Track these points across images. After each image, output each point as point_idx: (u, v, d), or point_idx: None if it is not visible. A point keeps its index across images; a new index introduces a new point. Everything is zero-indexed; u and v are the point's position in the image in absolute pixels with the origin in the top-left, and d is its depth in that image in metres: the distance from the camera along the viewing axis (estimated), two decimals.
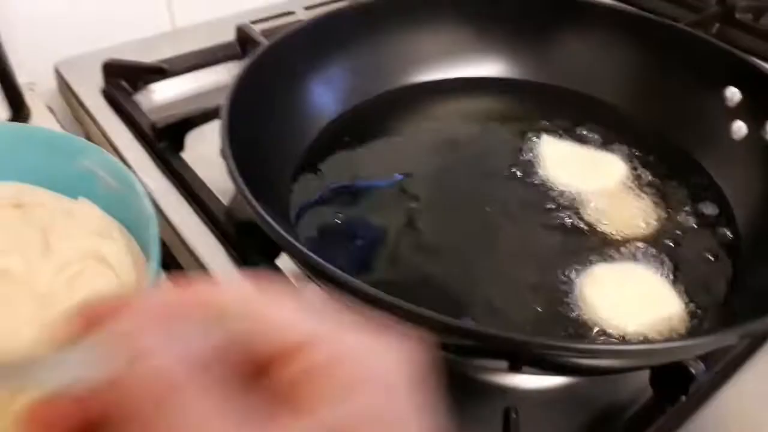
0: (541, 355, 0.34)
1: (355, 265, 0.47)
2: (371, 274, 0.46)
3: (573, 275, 0.47)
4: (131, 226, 0.45)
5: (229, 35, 0.75)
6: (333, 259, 0.46)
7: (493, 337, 0.32)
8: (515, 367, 0.38)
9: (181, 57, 0.72)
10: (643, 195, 0.54)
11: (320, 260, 0.34)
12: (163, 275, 0.52)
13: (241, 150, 0.41)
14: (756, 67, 0.53)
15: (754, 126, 0.53)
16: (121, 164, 0.44)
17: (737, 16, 0.82)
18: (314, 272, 0.36)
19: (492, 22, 0.63)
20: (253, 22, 0.80)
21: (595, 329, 0.44)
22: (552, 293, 0.46)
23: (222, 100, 0.44)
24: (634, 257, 0.49)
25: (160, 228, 0.55)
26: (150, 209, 0.40)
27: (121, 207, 0.45)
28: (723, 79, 0.54)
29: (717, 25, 0.81)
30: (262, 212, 0.35)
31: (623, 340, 0.43)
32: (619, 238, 0.50)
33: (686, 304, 0.46)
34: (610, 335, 0.44)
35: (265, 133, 0.49)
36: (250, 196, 0.36)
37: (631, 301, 0.46)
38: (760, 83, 0.52)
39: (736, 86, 0.54)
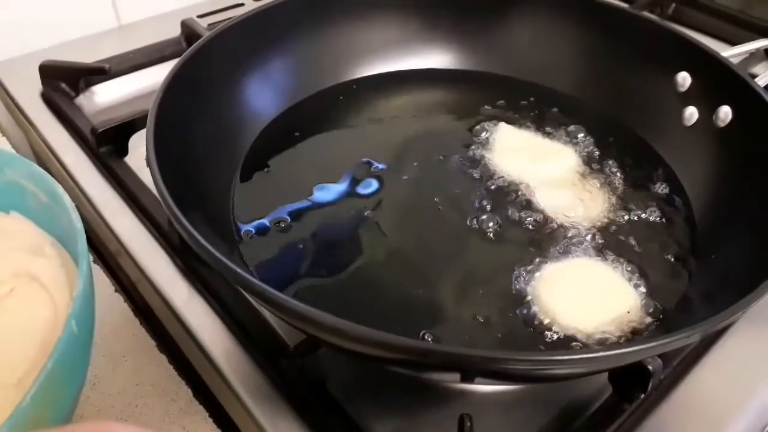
0: (489, 368, 0.33)
1: (301, 274, 0.45)
2: (320, 281, 0.45)
3: (528, 275, 0.46)
4: (64, 239, 0.42)
5: (176, 30, 0.73)
6: (280, 271, 0.45)
7: (437, 353, 0.31)
8: (467, 379, 0.36)
9: (126, 55, 0.70)
10: (595, 184, 0.53)
11: (247, 276, 0.32)
12: (105, 286, 0.50)
13: (171, 156, 0.39)
14: (706, 52, 0.52)
15: (706, 111, 0.52)
16: (48, 176, 0.41)
17: None
18: (244, 288, 0.34)
19: (437, 13, 0.61)
20: (201, 16, 0.77)
21: (554, 331, 0.43)
22: (507, 295, 0.45)
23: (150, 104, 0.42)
24: (587, 250, 0.48)
25: (104, 237, 0.53)
26: (78, 224, 0.38)
27: (52, 221, 0.42)
28: (674, 64, 0.54)
29: (673, 5, 0.81)
30: (188, 226, 0.33)
31: (583, 342, 0.42)
32: (571, 230, 0.49)
33: (642, 295, 0.45)
34: (570, 337, 0.43)
35: (200, 136, 0.47)
36: (175, 209, 0.34)
37: (588, 298, 0.45)
38: (711, 68, 0.51)
39: (687, 71, 0.53)
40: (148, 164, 0.37)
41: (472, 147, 0.56)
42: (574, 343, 0.43)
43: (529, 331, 0.43)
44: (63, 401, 0.33)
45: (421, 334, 0.42)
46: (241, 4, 0.81)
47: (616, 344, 0.42)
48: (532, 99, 0.61)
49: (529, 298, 0.45)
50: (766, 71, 0.53)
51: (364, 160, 0.54)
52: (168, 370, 0.45)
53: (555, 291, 0.45)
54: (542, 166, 0.53)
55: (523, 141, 0.56)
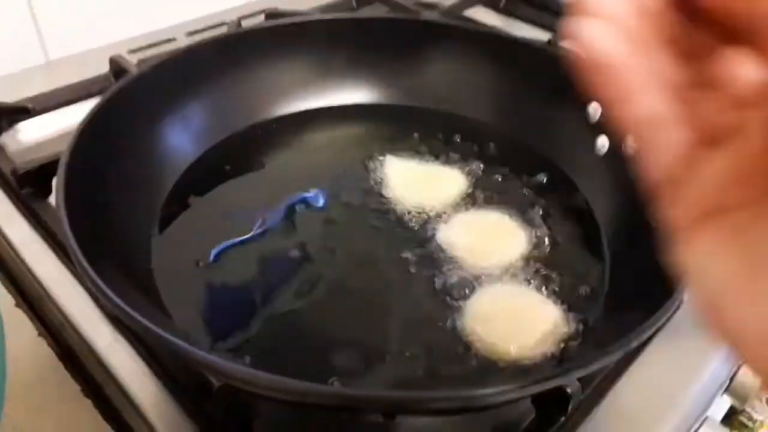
0: (405, 408, 0.33)
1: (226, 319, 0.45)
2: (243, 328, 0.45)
3: (450, 308, 0.47)
4: None
5: (105, 67, 0.72)
6: (199, 313, 0.45)
7: (353, 398, 0.31)
8: (389, 417, 0.37)
9: (51, 93, 0.69)
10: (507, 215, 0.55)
11: (150, 326, 0.32)
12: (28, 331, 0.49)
13: (85, 203, 0.38)
14: None
15: (616, 141, 0.53)
16: None
17: None
18: (171, 352, 0.34)
19: (355, 51, 0.62)
20: (132, 51, 0.77)
21: (481, 358, 0.44)
22: (433, 330, 0.46)
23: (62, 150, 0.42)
24: (504, 278, 0.49)
25: (26, 281, 0.52)
26: None
27: None
28: (584, 96, 0.55)
29: None
30: (95, 277, 0.33)
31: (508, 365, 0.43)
32: (485, 262, 0.50)
33: (564, 310, 0.47)
34: (500, 362, 0.44)
35: (117, 181, 0.46)
36: (82, 260, 0.33)
37: (514, 323, 0.46)
38: None
39: (597, 101, 0.54)
40: (58, 210, 0.37)
41: (372, 180, 0.57)
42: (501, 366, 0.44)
43: (456, 361, 0.44)
44: None
45: (330, 381, 0.42)
46: (174, 39, 0.81)
47: (525, 373, 0.43)
48: (448, 130, 0.62)
49: (455, 327, 0.46)
50: None
51: (283, 198, 0.55)
52: (93, 415, 0.45)
53: (481, 321, 0.46)
54: (436, 192, 0.54)
55: (418, 170, 0.57)
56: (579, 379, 0.42)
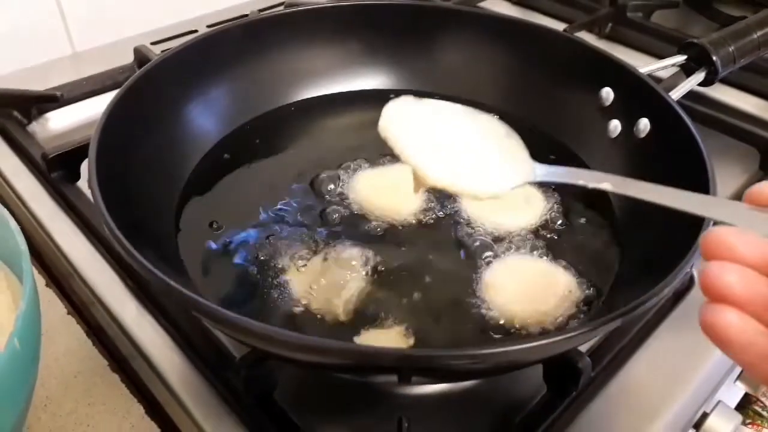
0: (423, 367, 0.35)
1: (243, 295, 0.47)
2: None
3: (476, 278, 0.48)
4: (10, 262, 0.43)
5: (129, 57, 0.74)
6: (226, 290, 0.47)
7: (369, 353, 0.32)
8: (405, 380, 0.38)
9: (78, 82, 0.71)
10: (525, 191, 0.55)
11: (187, 292, 0.34)
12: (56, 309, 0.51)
13: (115, 181, 0.40)
14: (626, 68, 0.55)
15: (627, 123, 0.55)
16: None
17: (629, 15, 0.85)
18: (195, 310, 0.36)
19: (374, 36, 0.63)
20: (154, 43, 0.79)
21: (502, 324, 0.45)
22: (459, 298, 0.47)
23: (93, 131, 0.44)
24: (521, 249, 0.50)
25: (55, 260, 0.54)
26: (23, 245, 0.39)
27: None
28: (597, 80, 0.57)
29: (610, 24, 0.85)
30: (130, 247, 0.35)
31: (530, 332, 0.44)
32: (505, 233, 0.51)
33: (577, 277, 0.48)
34: (520, 328, 0.45)
35: (142, 162, 0.48)
36: (117, 233, 0.35)
37: (531, 290, 0.48)
38: (631, 83, 0.54)
39: (610, 87, 0.56)
40: (90, 188, 0.39)
41: None
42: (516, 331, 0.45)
43: (479, 328, 0.45)
44: (6, 415, 0.34)
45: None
46: (195, 31, 0.83)
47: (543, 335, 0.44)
48: None
49: (479, 298, 0.47)
50: (683, 83, 0.56)
51: (306, 178, 0.56)
52: (120, 388, 0.46)
53: (501, 288, 0.47)
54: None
55: None
56: (590, 356, 0.43)
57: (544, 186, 0.56)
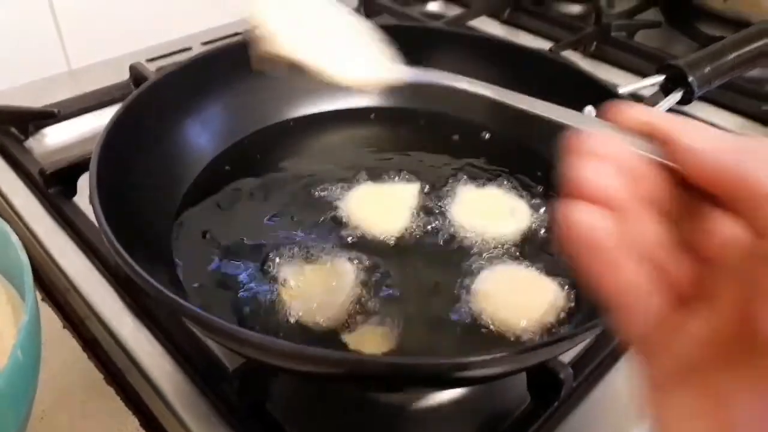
0: (409, 374, 0.36)
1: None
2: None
3: (463, 287, 0.50)
4: (10, 275, 0.44)
5: (124, 75, 0.75)
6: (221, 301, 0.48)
7: (359, 362, 0.34)
8: (395, 389, 0.39)
9: (75, 99, 0.72)
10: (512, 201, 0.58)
11: (189, 306, 0.35)
12: (53, 323, 0.52)
13: (113, 196, 0.42)
14: (604, 87, 0.58)
15: None
16: None
17: (613, 34, 0.88)
18: (191, 320, 0.37)
19: None
20: (150, 60, 0.80)
21: (491, 330, 0.47)
22: (448, 306, 0.48)
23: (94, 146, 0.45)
24: (508, 258, 0.52)
25: (52, 274, 0.55)
26: (24, 258, 0.40)
27: None
28: (580, 99, 0.58)
29: (594, 43, 0.87)
30: (129, 259, 0.36)
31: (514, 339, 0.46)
32: (489, 244, 0.53)
33: (562, 286, 0.50)
34: (509, 335, 0.46)
35: (140, 177, 0.50)
36: (116, 244, 0.37)
37: (520, 298, 0.49)
38: (609, 100, 0.56)
39: (591, 105, 0.58)
40: (91, 203, 0.40)
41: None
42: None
43: (468, 336, 0.46)
44: (8, 426, 0.35)
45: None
46: (189, 48, 0.85)
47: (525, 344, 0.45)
48: (457, 135, 0.65)
49: (466, 305, 0.48)
50: (663, 102, 0.59)
51: (302, 190, 0.58)
52: (115, 401, 0.47)
53: (488, 297, 0.48)
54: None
55: None
56: (572, 367, 0.45)
57: (528, 199, 0.58)
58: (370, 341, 0.45)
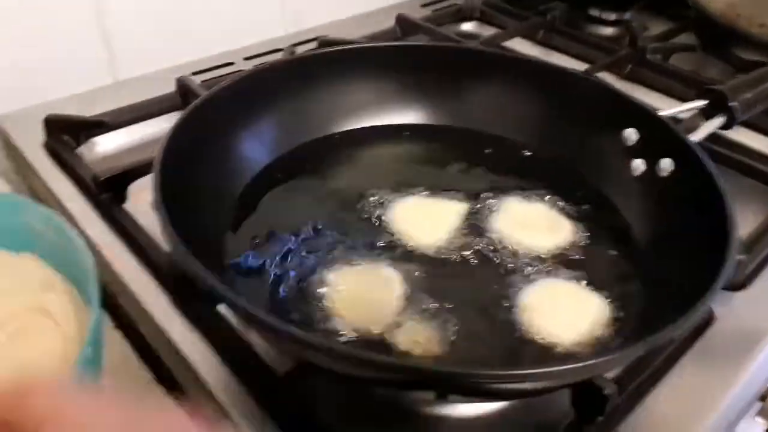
0: (459, 383, 0.37)
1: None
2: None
3: (509, 300, 0.51)
4: (73, 278, 0.46)
5: (170, 87, 0.78)
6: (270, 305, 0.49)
7: (410, 368, 0.35)
8: (441, 396, 0.40)
9: (123, 109, 0.74)
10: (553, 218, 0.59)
11: (248, 305, 0.36)
12: (106, 324, 0.53)
13: (173, 200, 0.43)
14: (647, 110, 0.59)
15: (650, 163, 0.58)
16: (60, 219, 0.46)
17: (648, 57, 0.89)
18: (250, 321, 0.38)
19: (411, 74, 0.67)
20: (194, 74, 0.83)
21: (538, 343, 0.47)
22: (495, 319, 0.50)
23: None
24: (552, 272, 0.54)
25: (105, 278, 0.57)
26: (90, 261, 0.42)
27: (62, 260, 0.46)
28: (621, 121, 0.60)
29: (629, 66, 0.88)
30: (194, 261, 0.37)
31: (563, 353, 0.47)
32: (536, 256, 0.55)
33: (608, 304, 0.51)
34: (554, 350, 0.47)
35: (197, 183, 0.51)
36: (182, 247, 0.38)
37: (565, 313, 0.50)
38: (652, 124, 0.58)
39: (633, 127, 0.59)
40: (155, 207, 0.42)
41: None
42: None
43: (516, 350, 0.48)
44: None
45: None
46: (232, 63, 0.87)
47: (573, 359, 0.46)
48: (493, 151, 0.67)
49: (515, 320, 0.49)
50: (703, 126, 0.59)
51: (350, 200, 0.60)
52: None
53: (537, 310, 0.49)
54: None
55: None
56: (617, 383, 0.46)
57: (569, 214, 0.59)
58: (419, 343, 0.46)
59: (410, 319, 0.48)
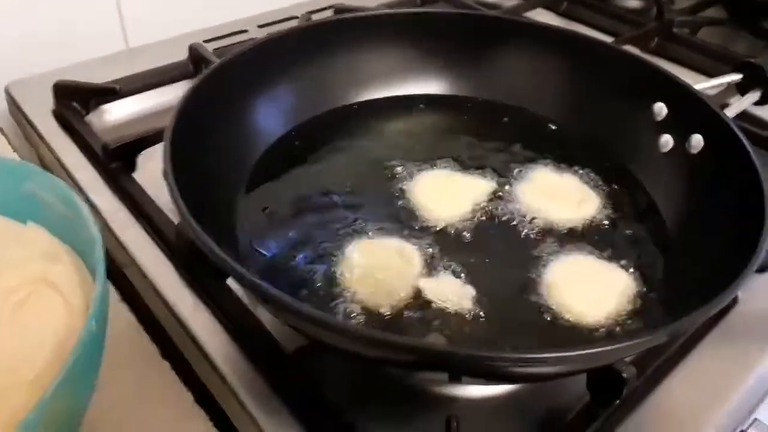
0: (475, 366, 0.36)
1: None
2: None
3: (534, 275, 0.50)
4: (79, 248, 0.45)
5: (182, 54, 0.76)
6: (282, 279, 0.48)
7: (423, 349, 0.34)
8: (455, 378, 0.39)
9: (134, 77, 0.73)
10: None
11: (261, 282, 0.35)
12: (110, 296, 0.53)
13: (184, 170, 0.42)
14: (680, 83, 0.56)
15: (679, 139, 0.56)
16: (67, 188, 0.44)
17: (675, 30, 0.85)
18: (258, 294, 0.37)
19: (431, 43, 0.65)
20: (207, 41, 0.81)
21: (564, 320, 0.47)
22: (521, 292, 0.49)
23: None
24: (578, 247, 0.52)
25: (112, 248, 0.56)
26: (96, 232, 0.41)
27: (68, 230, 0.45)
28: (650, 95, 0.57)
29: (656, 39, 0.85)
30: (203, 235, 0.36)
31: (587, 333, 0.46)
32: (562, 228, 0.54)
33: (635, 282, 0.50)
34: (578, 329, 0.46)
35: (210, 152, 0.50)
36: (191, 219, 0.37)
37: (592, 288, 0.49)
38: (683, 99, 0.55)
39: (662, 101, 0.56)
40: (165, 177, 0.40)
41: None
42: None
43: (541, 327, 0.47)
44: (80, 397, 0.36)
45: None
46: (245, 31, 0.85)
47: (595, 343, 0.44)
48: (515, 124, 0.65)
49: (541, 294, 0.48)
50: (737, 102, 0.57)
51: (368, 172, 0.59)
52: (170, 376, 0.48)
53: (563, 285, 0.48)
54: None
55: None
56: (634, 365, 0.44)
57: (597, 187, 0.58)
58: (447, 292, 0.46)
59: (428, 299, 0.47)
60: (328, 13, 0.85)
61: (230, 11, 0.88)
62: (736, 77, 0.57)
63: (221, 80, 0.54)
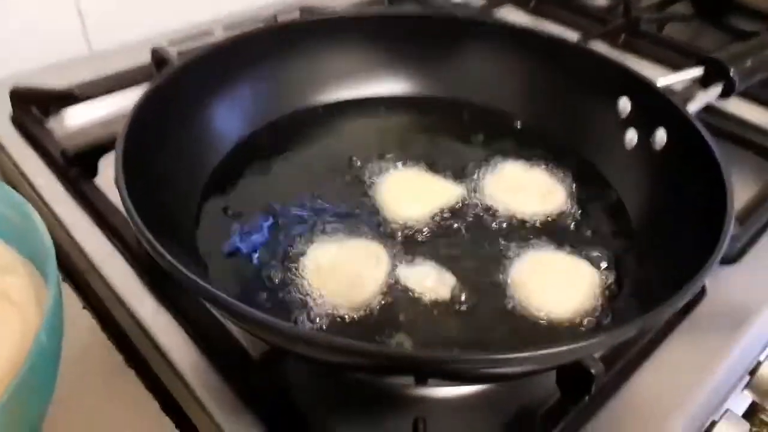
0: (440, 369, 0.35)
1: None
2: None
3: (501, 272, 0.50)
4: (35, 259, 0.44)
5: (145, 57, 0.74)
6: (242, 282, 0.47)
7: (383, 354, 0.33)
8: (421, 381, 0.39)
9: (96, 81, 0.71)
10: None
11: (214, 290, 0.34)
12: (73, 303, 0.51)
13: (140, 175, 0.41)
14: (642, 80, 0.56)
15: (644, 135, 0.56)
16: (21, 198, 0.43)
17: (642, 27, 0.86)
18: (210, 302, 0.36)
19: (397, 44, 0.65)
20: (171, 44, 0.79)
21: (533, 316, 0.46)
22: (489, 288, 0.48)
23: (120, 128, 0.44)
24: (543, 242, 0.53)
25: (74, 255, 0.55)
26: (49, 243, 0.39)
27: (24, 241, 0.44)
28: (615, 91, 0.57)
29: (623, 35, 0.85)
30: (154, 241, 0.35)
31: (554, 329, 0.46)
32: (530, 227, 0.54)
33: (601, 276, 0.50)
34: (544, 325, 0.46)
35: (168, 156, 0.49)
36: (141, 224, 0.36)
37: (560, 284, 0.49)
38: (647, 93, 0.55)
39: (626, 96, 0.57)
40: (117, 184, 0.39)
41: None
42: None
43: (508, 326, 0.47)
44: (32, 410, 0.35)
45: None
46: (210, 33, 0.83)
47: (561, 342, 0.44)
48: (478, 121, 0.65)
49: (508, 290, 0.48)
50: (700, 96, 0.57)
51: (330, 174, 0.58)
52: (135, 384, 0.47)
53: (529, 281, 0.48)
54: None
55: None
56: (603, 361, 0.44)
57: (561, 183, 0.58)
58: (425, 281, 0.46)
59: (393, 300, 0.47)
60: (295, 15, 0.84)
61: (196, 13, 0.86)
62: (698, 71, 0.58)
63: (179, 83, 0.52)
